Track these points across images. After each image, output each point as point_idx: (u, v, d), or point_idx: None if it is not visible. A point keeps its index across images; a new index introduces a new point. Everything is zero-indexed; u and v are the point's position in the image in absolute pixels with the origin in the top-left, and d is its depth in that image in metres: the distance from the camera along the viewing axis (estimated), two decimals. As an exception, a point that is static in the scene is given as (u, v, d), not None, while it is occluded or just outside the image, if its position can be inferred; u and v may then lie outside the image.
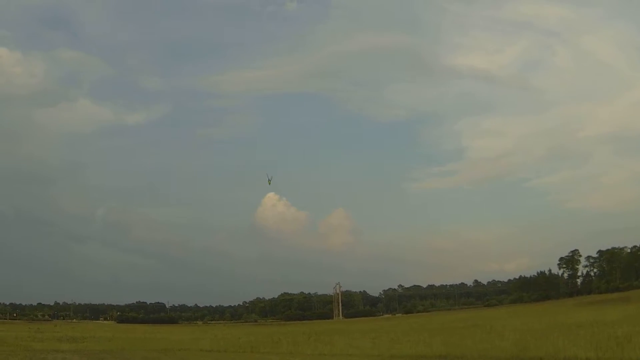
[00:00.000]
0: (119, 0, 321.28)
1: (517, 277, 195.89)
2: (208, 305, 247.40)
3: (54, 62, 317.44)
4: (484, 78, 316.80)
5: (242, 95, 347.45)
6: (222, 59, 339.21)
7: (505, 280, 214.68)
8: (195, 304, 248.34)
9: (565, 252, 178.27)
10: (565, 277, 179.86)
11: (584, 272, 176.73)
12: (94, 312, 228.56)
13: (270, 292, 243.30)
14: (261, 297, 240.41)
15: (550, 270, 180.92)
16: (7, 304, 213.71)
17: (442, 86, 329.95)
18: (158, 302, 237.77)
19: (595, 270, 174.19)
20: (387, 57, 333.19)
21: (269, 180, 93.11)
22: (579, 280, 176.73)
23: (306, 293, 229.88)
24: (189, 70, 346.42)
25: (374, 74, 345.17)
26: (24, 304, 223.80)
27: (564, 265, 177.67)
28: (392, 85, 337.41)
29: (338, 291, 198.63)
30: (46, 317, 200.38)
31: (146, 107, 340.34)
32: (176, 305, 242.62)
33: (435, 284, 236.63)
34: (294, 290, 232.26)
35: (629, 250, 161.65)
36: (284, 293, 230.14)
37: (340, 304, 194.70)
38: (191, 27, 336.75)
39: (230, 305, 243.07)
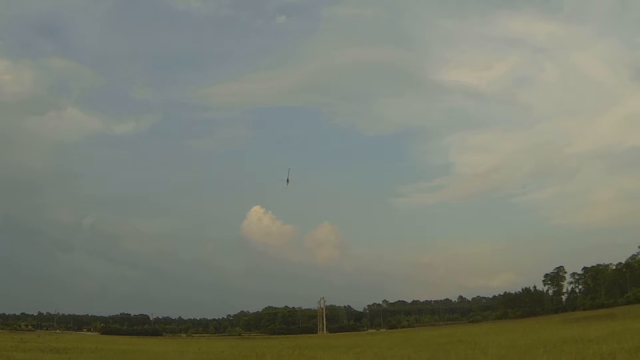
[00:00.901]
0: (110, 11, 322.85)
1: (501, 293, 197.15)
2: (192, 317, 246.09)
3: (44, 70, 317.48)
4: (472, 94, 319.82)
5: (231, 107, 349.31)
6: (211, 71, 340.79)
7: (490, 296, 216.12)
8: (179, 317, 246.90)
9: (550, 269, 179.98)
10: (550, 294, 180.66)
11: (569, 288, 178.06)
12: (78, 323, 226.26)
13: (255, 306, 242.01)
14: (245, 311, 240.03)
15: (535, 287, 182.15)
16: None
17: (431, 101, 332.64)
18: (142, 314, 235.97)
19: (580, 286, 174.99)
20: (376, 71, 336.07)
21: (287, 180, 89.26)
22: (564, 297, 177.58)
23: (290, 307, 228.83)
24: (178, 81, 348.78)
25: (363, 88, 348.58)
26: (7, 313, 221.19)
27: (549, 282, 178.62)
28: (380, 100, 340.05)
29: (322, 306, 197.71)
30: (29, 327, 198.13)
31: (135, 117, 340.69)
32: (160, 317, 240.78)
33: (420, 300, 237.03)
34: (279, 303, 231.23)
35: (614, 267, 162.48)
36: (268, 307, 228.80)
37: (324, 319, 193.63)
38: (181, 39, 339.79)
39: (214, 318, 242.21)
